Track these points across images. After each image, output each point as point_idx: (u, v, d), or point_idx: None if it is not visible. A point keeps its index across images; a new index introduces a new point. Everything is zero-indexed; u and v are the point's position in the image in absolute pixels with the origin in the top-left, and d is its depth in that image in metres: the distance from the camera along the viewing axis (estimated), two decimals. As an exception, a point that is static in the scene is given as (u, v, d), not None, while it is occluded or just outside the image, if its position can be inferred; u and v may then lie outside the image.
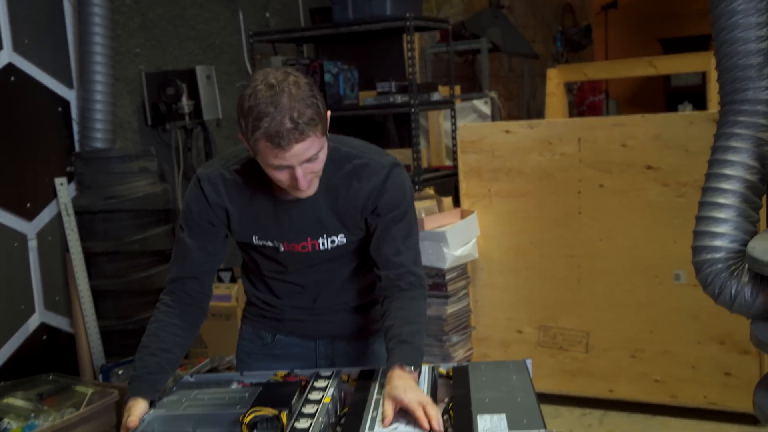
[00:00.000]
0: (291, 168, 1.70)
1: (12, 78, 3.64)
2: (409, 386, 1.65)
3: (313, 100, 1.69)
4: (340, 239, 1.92)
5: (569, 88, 8.13)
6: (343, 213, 1.89)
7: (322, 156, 1.75)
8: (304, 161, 1.69)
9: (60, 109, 3.94)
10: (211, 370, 3.74)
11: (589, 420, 3.80)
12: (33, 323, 3.71)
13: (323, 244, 1.92)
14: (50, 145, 3.88)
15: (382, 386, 1.75)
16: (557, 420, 3.82)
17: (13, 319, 3.63)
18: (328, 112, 1.77)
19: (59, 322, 3.84)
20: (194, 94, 4.58)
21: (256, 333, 2.12)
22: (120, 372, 3.71)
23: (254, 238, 1.93)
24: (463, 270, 4.00)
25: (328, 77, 4.63)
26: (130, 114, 4.43)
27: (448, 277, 3.85)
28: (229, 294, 4.25)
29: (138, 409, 1.78)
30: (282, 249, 1.93)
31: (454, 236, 3.84)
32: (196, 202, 1.90)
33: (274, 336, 2.10)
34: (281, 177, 1.73)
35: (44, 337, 3.75)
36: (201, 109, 4.58)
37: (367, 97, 4.63)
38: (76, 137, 4.02)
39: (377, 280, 1.92)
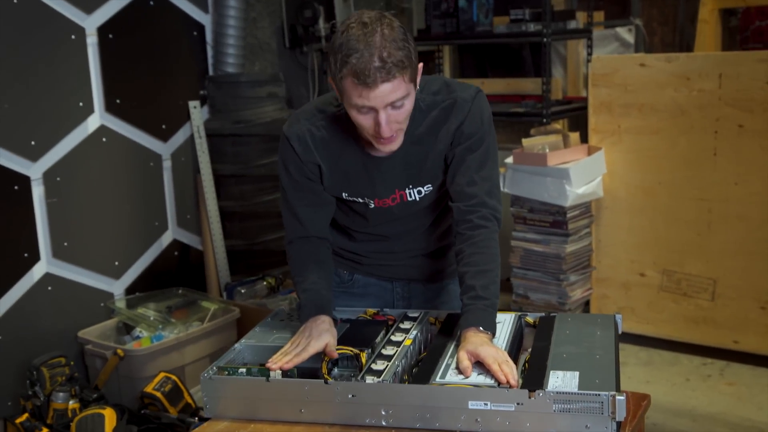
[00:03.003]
0: (375, 111, 1.67)
1: (151, 2, 3.78)
2: (485, 342, 1.65)
3: (405, 44, 1.66)
4: (427, 188, 1.90)
5: (732, 11, 7.57)
6: (434, 160, 1.86)
7: (408, 105, 1.70)
8: (388, 104, 1.66)
9: (195, 33, 4.07)
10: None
11: (709, 370, 3.67)
12: (166, 239, 3.94)
13: (410, 195, 1.90)
14: (185, 68, 4.03)
15: (458, 337, 1.75)
16: (675, 367, 3.71)
17: (148, 235, 3.86)
18: (420, 64, 1.73)
19: (190, 239, 4.05)
20: (331, 17, 4.61)
21: (334, 270, 2.11)
22: (243, 291, 3.89)
23: (344, 194, 1.92)
24: (586, 208, 3.90)
25: (462, 2, 4.52)
26: (269, 35, 4.51)
27: (569, 215, 3.76)
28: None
29: (333, 337, 1.76)
30: (372, 205, 1.91)
31: (577, 173, 3.73)
32: (290, 160, 1.87)
33: (353, 275, 2.11)
34: (364, 122, 1.71)
35: (176, 253, 3.98)
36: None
37: (500, 25, 4.50)
38: (210, 61, 4.15)
39: (456, 222, 1.86)
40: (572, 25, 4.49)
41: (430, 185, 1.90)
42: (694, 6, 8.09)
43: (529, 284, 3.91)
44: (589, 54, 4.54)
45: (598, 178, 3.87)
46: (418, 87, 1.74)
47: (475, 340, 1.65)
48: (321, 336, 1.74)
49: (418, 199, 1.91)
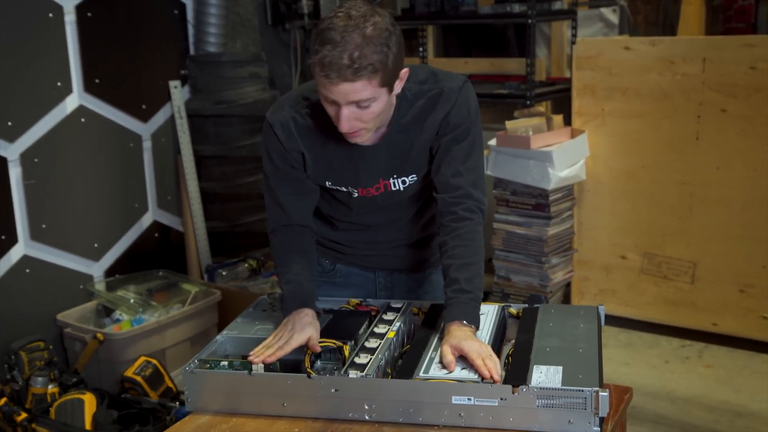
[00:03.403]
0: (338, 105, 1.66)
1: (129, -19, 3.72)
2: (469, 336, 1.64)
3: (384, 49, 1.62)
4: (411, 178, 1.88)
5: (717, -11, 7.57)
6: (419, 149, 1.84)
7: (375, 108, 1.67)
8: (351, 102, 1.64)
9: (176, 11, 4.01)
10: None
11: (687, 352, 3.70)
12: (146, 221, 3.91)
13: (395, 185, 1.88)
14: (165, 47, 3.97)
15: (441, 331, 1.74)
16: (655, 349, 3.74)
17: (128, 216, 3.82)
18: (405, 70, 1.71)
19: (170, 220, 4.02)
20: (315, -5, 4.56)
21: (316, 260, 2.10)
22: (224, 273, 3.87)
23: (328, 183, 1.90)
24: (568, 191, 3.90)
25: (446, -19, 4.47)
26: (251, 12, 4.45)
27: (551, 197, 3.76)
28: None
29: (315, 330, 1.75)
30: (356, 194, 1.90)
31: (560, 156, 3.72)
32: (273, 148, 1.86)
33: (335, 265, 2.10)
34: (330, 112, 1.69)
35: (156, 235, 3.95)
36: (320, 9, 4.57)
37: (484, 6, 4.47)
38: (191, 40, 4.09)
39: (440, 214, 1.85)
40: (557, 5, 4.46)
41: (414, 175, 1.88)
42: (677, -16, 8.08)
43: (511, 266, 3.91)
44: (574, 35, 4.51)
45: (581, 162, 3.87)
46: (394, 91, 1.71)
47: (458, 334, 1.64)
48: (304, 329, 1.73)
49: (402, 188, 1.89)
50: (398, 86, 1.72)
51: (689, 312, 3.80)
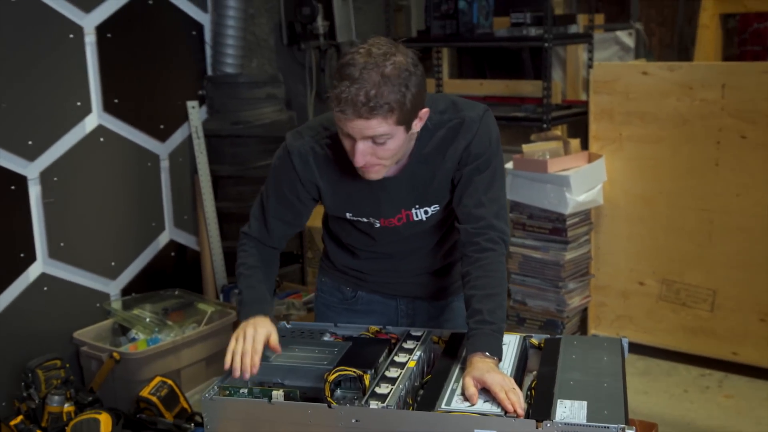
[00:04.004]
0: (353, 139, 1.67)
1: (149, 2, 3.74)
2: (491, 368, 1.62)
3: (402, 89, 1.62)
4: (434, 209, 1.88)
5: (731, 14, 7.55)
6: (441, 179, 1.84)
7: (392, 145, 1.68)
8: (366, 137, 1.65)
9: (194, 32, 4.03)
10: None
11: (707, 381, 3.66)
12: (163, 239, 3.91)
13: (417, 215, 1.88)
14: (183, 68, 3.99)
15: (463, 362, 1.73)
16: (673, 378, 3.70)
17: (145, 235, 3.83)
18: (425, 110, 1.72)
19: (187, 240, 4.02)
20: (329, 15, 4.59)
21: (336, 287, 2.12)
22: (239, 293, 3.85)
23: (348, 215, 1.90)
24: (585, 215, 3.88)
25: (462, 4, 4.48)
26: (267, 32, 4.48)
27: (569, 222, 3.74)
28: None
29: (273, 331, 1.80)
30: (378, 225, 1.90)
31: (578, 181, 3.71)
32: (286, 175, 1.86)
33: (356, 292, 2.09)
34: (346, 144, 1.71)
35: (172, 254, 3.95)
36: (335, 30, 4.59)
37: (500, 29, 4.47)
38: (208, 61, 4.11)
39: (463, 244, 1.85)
40: (573, 29, 4.47)
41: (437, 205, 1.88)
42: (692, 7, 8.09)
43: (528, 291, 3.89)
44: (590, 59, 4.51)
45: (599, 186, 3.86)
46: (412, 130, 1.72)
47: (481, 366, 1.63)
48: (264, 327, 1.78)
49: (424, 218, 1.89)
50: (417, 125, 1.73)
51: (709, 340, 3.76)
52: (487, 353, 1.66)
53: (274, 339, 1.78)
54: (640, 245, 3.90)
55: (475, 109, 1.84)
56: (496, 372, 1.62)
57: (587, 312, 4.04)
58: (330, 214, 1.99)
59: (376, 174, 1.75)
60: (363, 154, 1.67)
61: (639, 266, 3.91)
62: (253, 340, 1.75)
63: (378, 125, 1.63)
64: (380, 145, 1.67)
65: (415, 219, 1.88)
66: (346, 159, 1.79)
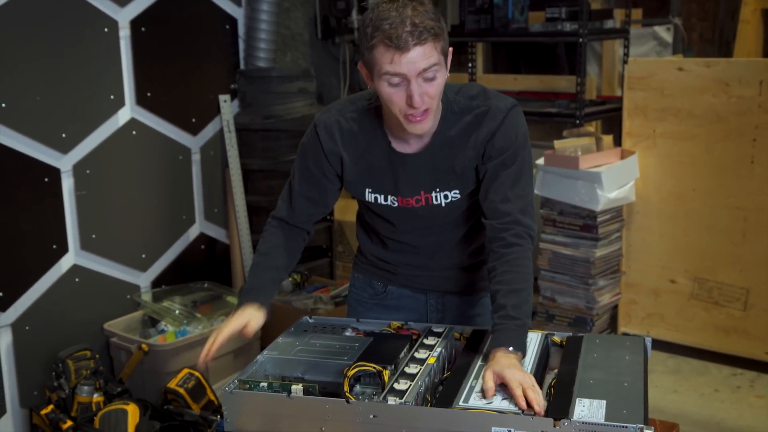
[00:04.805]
0: (406, 82, 1.67)
1: (184, -5, 3.77)
2: (513, 364, 1.61)
3: (437, 18, 1.68)
4: (454, 194, 1.87)
5: (775, 8, 7.41)
6: (462, 165, 1.84)
7: (440, 79, 1.70)
8: (420, 73, 1.66)
9: (227, 26, 4.05)
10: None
11: (739, 381, 3.60)
12: (193, 232, 3.94)
13: (436, 198, 1.88)
14: (216, 62, 4.01)
15: (486, 356, 1.72)
16: (704, 377, 3.65)
17: (175, 228, 3.87)
18: (450, 49, 1.75)
19: (217, 233, 4.05)
20: (364, 9, 4.58)
21: (368, 282, 2.13)
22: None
23: (367, 191, 1.91)
24: (617, 212, 3.84)
25: (497, -1, 4.45)
26: (302, 26, 4.50)
27: (600, 219, 3.70)
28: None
29: (254, 318, 1.87)
30: (395, 204, 1.90)
31: (609, 178, 3.67)
32: (312, 148, 1.89)
33: (386, 287, 2.10)
34: (395, 97, 1.70)
35: (202, 247, 3.98)
36: (369, 24, 4.58)
37: (534, 24, 4.43)
38: (241, 54, 4.13)
39: (488, 239, 1.84)
40: (609, 24, 4.41)
41: (457, 191, 1.87)
42: (734, 2, 7.93)
43: (557, 287, 3.86)
44: (626, 54, 4.45)
45: (631, 183, 3.81)
46: (448, 67, 1.74)
47: (503, 361, 1.62)
48: (242, 317, 1.85)
49: (444, 204, 1.89)
50: (448, 64, 1.75)
51: (741, 340, 3.71)
52: (510, 348, 1.65)
53: (251, 326, 1.85)
54: (672, 243, 3.85)
55: (504, 100, 1.84)
56: (517, 368, 1.61)
57: (617, 309, 4.00)
58: (352, 195, 1.99)
59: (426, 122, 1.74)
60: (420, 94, 1.68)
61: (671, 264, 3.86)
62: (218, 331, 1.86)
63: (430, 52, 1.66)
64: (430, 82, 1.69)
65: (435, 203, 1.88)
66: (369, 131, 1.84)
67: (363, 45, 1.69)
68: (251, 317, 1.87)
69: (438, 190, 1.88)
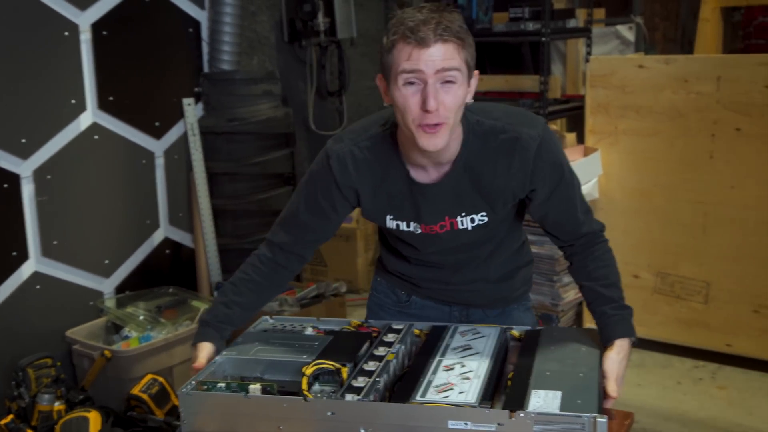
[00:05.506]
0: (422, 83, 1.58)
1: (146, -1, 3.75)
2: (620, 359, 1.72)
3: (465, 27, 1.63)
4: (481, 218, 1.81)
5: (735, 7, 7.50)
6: (489, 191, 1.77)
7: (459, 90, 1.61)
8: (438, 71, 1.57)
9: (190, 29, 4.03)
10: (317, 296, 3.83)
11: (701, 373, 3.65)
12: (158, 237, 3.92)
13: (462, 223, 1.81)
14: (179, 65, 3.99)
15: (448, 347, 1.74)
16: (667, 370, 3.69)
17: (139, 233, 3.84)
18: (476, 72, 1.68)
19: (182, 237, 4.03)
20: (330, 12, 4.59)
21: (391, 289, 2.07)
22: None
23: (388, 218, 1.84)
24: (581, 210, 3.86)
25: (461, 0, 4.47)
26: (268, 29, 4.50)
27: (564, 216, 3.73)
28: (350, 216, 4.32)
29: (206, 351, 1.83)
30: (419, 231, 1.84)
31: (572, 175, 3.69)
32: (323, 179, 1.81)
33: (410, 296, 2.05)
34: (410, 99, 1.60)
35: (167, 251, 3.96)
36: (336, 27, 4.60)
37: (498, 24, 4.46)
38: (205, 57, 4.11)
39: (562, 247, 1.91)
40: (572, 23, 4.46)
41: (484, 213, 1.80)
42: (696, 1, 8.02)
43: (523, 285, 3.88)
44: (589, 53, 4.50)
45: (594, 180, 3.85)
46: (470, 88, 1.66)
47: (625, 352, 1.74)
48: (205, 351, 1.83)
49: (470, 228, 1.82)
50: (473, 85, 1.67)
51: (702, 332, 3.75)
52: (633, 338, 1.76)
53: (198, 361, 1.81)
54: (636, 238, 3.89)
55: (531, 126, 1.73)
56: (619, 364, 1.72)
57: (582, 306, 4.03)
58: (371, 221, 1.93)
59: (439, 138, 1.63)
60: (435, 96, 1.58)
61: (634, 259, 3.90)
62: (197, 367, 1.80)
63: (452, 54, 1.58)
64: (448, 90, 1.60)
65: (460, 227, 1.82)
66: (386, 160, 1.76)
67: (383, 51, 1.62)
68: (206, 353, 1.83)
69: (464, 214, 1.80)
